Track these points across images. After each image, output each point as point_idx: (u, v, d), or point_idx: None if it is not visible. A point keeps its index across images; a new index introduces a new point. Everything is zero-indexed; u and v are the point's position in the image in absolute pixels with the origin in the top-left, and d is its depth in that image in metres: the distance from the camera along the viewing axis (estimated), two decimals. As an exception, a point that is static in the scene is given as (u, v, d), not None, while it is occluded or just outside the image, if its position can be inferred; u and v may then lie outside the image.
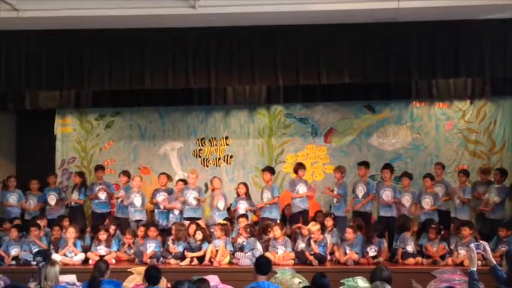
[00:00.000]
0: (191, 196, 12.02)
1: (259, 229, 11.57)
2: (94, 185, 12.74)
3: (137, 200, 12.22)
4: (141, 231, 11.62)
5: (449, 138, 13.50)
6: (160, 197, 12.30)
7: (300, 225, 11.56)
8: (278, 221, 11.69)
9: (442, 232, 11.13)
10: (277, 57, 11.13)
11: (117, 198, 12.52)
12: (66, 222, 11.90)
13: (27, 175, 13.20)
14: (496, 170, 12.16)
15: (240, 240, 11.04)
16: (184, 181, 12.57)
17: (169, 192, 12.41)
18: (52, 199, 12.68)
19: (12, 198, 12.53)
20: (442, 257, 10.76)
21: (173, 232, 11.29)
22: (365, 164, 12.25)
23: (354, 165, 12.77)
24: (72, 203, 12.76)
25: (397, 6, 9.94)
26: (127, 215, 12.28)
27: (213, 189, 12.33)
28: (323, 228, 11.19)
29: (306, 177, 12.34)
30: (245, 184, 12.22)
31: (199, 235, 11.02)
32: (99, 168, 12.97)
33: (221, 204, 12.03)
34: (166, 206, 12.11)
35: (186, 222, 11.67)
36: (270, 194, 11.90)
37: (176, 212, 12.08)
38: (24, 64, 11.31)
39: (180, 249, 11.03)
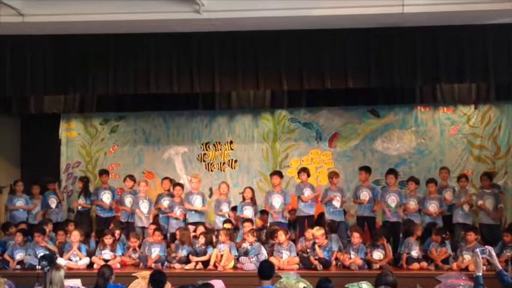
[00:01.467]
0: (196, 201, 12.04)
1: (267, 234, 11.57)
2: (99, 190, 12.75)
3: (143, 206, 12.23)
4: (151, 229, 11.59)
5: (453, 143, 13.49)
6: (165, 202, 12.33)
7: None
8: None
9: (446, 236, 11.11)
10: (281, 62, 11.08)
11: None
12: (71, 227, 11.92)
13: (31, 179, 13.21)
14: (484, 176, 12.13)
15: (245, 244, 11.03)
16: (182, 186, 12.56)
17: (172, 196, 12.40)
18: (53, 202, 12.71)
19: (19, 203, 12.55)
20: (446, 261, 10.74)
21: (177, 237, 11.30)
22: (366, 169, 12.26)
23: (358, 170, 12.75)
24: (79, 208, 12.76)
25: (402, 11, 9.93)
26: (132, 220, 12.31)
27: (220, 195, 12.33)
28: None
29: (309, 181, 12.34)
30: (251, 189, 12.22)
31: (201, 239, 11.02)
32: (103, 172, 12.97)
33: (224, 209, 12.04)
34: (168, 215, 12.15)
35: (191, 227, 11.68)
36: (282, 200, 11.89)
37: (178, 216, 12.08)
38: (28, 68, 11.28)
39: (184, 253, 11.03)
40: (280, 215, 11.88)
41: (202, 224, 11.74)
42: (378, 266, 10.64)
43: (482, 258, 6.12)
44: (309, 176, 12.23)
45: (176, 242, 11.33)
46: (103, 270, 7.75)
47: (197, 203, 12.07)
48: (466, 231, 10.98)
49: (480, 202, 11.76)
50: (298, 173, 12.36)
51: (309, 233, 11.20)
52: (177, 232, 11.38)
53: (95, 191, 12.83)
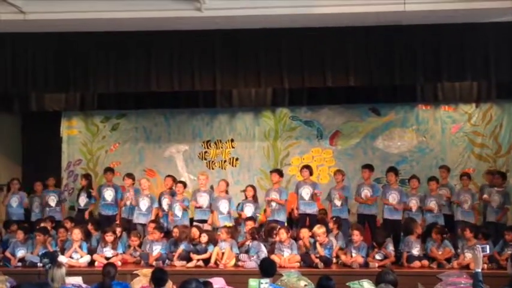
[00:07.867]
0: (202, 199, 12.01)
1: (265, 232, 11.55)
2: (102, 187, 12.74)
3: (143, 204, 12.20)
4: (150, 227, 11.55)
5: (455, 141, 13.49)
6: (165, 200, 12.29)
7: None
8: (285, 224, 11.69)
9: (448, 235, 11.10)
10: (282, 60, 11.09)
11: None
12: (68, 224, 11.91)
13: (32, 177, 13.22)
14: (497, 174, 12.13)
15: (246, 243, 11.02)
16: (184, 183, 12.53)
17: (173, 194, 12.37)
18: (52, 200, 12.68)
19: (14, 201, 12.52)
20: (448, 260, 10.73)
21: (176, 234, 11.26)
22: (369, 167, 12.23)
23: (359, 168, 12.67)
24: (82, 205, 12.71)
25: (403, 9, 9.92)
26: (132, 217, 12.27)
27: (219, 192, 12.29)
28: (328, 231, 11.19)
29: (311, 179, 12.30)
30: (253, 187, 12.18)
31: (204, 237, 11.00)
32: (108, 170, 12.97)
33: (224, 208, 11.96)
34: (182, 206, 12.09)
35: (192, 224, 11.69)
36: (278, 197, 11.87)
37: (180, 214, 12.05)
38: (30, 66, 11.30)
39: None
40: (277, 212, 11.85)
41: (197, 225, 11.63)
42: (376, 265, 10.60)
43: (483, 255, 6.12)
44: (311, 174, 12.19)
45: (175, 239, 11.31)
46: (108, 270, 7.74)
47: (203, 201, 12.02)
48: (463, 228, 10.97)
49: (485, 196, 11.72)
50: (301, 169, 12.34)
51: (303, 234, 11.15)
52: (175, 230, 11.35)
53: (99, 189, 12.82)
